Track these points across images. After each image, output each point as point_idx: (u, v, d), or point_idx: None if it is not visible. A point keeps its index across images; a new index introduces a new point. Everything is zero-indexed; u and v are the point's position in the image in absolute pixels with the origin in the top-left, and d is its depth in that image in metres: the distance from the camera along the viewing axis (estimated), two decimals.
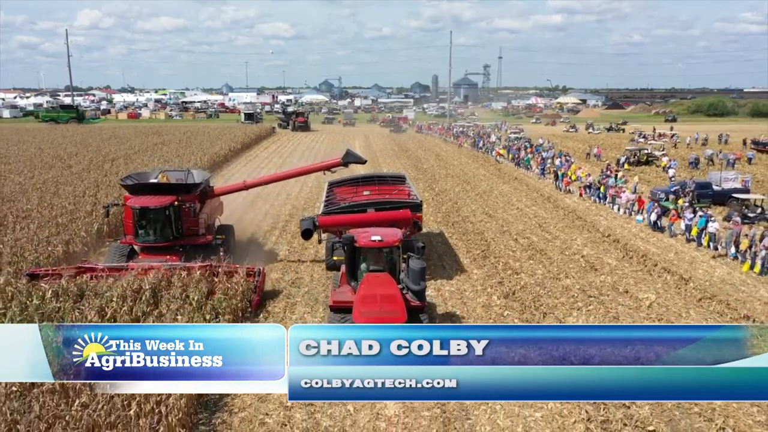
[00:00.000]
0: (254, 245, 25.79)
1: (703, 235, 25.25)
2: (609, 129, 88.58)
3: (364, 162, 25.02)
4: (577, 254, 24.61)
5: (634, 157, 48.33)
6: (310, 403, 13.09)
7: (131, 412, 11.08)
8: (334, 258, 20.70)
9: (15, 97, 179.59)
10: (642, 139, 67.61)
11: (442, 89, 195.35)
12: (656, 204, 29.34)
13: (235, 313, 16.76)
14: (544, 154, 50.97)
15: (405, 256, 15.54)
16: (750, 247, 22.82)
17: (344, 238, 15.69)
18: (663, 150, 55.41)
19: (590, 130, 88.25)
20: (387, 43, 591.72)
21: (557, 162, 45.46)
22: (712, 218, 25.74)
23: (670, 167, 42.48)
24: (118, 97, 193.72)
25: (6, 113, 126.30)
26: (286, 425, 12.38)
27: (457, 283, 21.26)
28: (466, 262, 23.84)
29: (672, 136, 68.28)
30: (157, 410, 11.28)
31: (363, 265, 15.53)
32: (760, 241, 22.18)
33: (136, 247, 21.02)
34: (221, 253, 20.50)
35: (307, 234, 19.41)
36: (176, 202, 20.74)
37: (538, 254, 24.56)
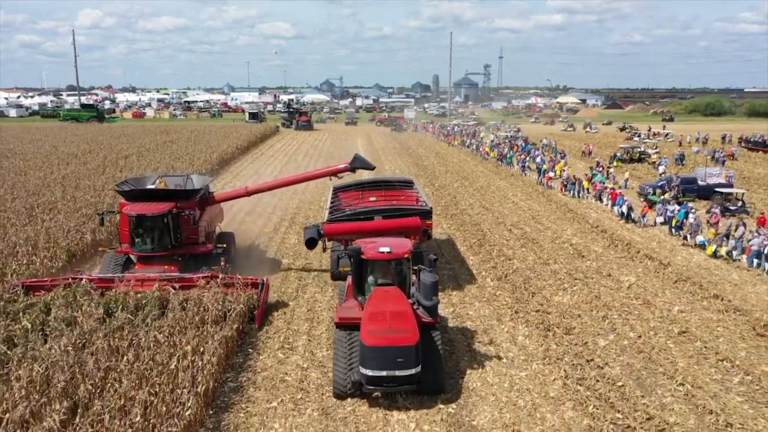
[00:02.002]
0: (265, 236, 27.65)
1: (682, 226, 27.06)
2: (622, 129, 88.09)
3: (372, 168, 23.76)
4: (566, 243, 26.45)
5: (627, 155, 50.20)
6: (323, 364, 14.98)
7: (172, 366, 12.95)
8: (340, 269, 20.01)
9: (18, 97, 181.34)
10: (637, 138, 69.43)
11: (443, 89, 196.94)
12: (625, 198, 31.19)
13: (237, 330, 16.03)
14: (536, 153, 52.80)
15: (416, 268, 14.55)
16: (727, 236, 24.60)
17: (350, 250, 14.58)
18: (656, 148, 57.29)
19: (587, 129, 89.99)
20: (388, 43, 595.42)
21: (537, 159, 47.37)
22: (692, 210, 27.54)
23: (660, 164, 44.31)
24: (121, 97, 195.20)
25: (12, 112, 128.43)
26: (303, 381, 14.23)
27: (454, 268, 23.09)
28: (462, 249, 25.68)
29: (666, 135, 70.06)
30: (194, 365, 13.13)
31: (370, 278, 14.54)
32: (735, 230, 23.99)
33: (132, 257, 20.06)
34: (222, 263, 19.70)
35: (311, 243, 18.19)
36: (175, 210, 19.68)
37: (530, 243, 26.40)
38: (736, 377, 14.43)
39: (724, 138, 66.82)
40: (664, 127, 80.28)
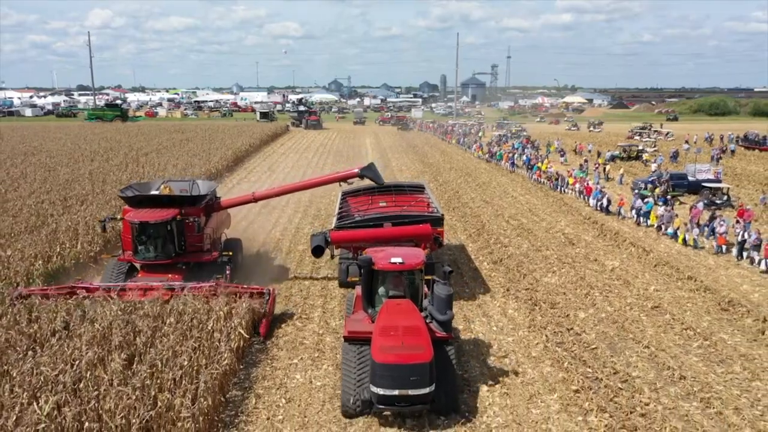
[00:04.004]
0: (281, 226, 29.96)
1: (649, 218, 29.38)
2: (642, 128, 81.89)
3: (381, 183, 22.84)
4: (559, 232, 28.60)
5: (624, 153, 52.24)
6: (336, 331, 17.21)
7: (209, 326, 15.23)
8: (349, 279, 19.65)
9: (31, 97, 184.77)
10: (638, 137, 71.36)
11: (450, 88, 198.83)
12: (602, 191, 33.36)
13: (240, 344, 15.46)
14: (525, 150, 54.92)
15: (430, 278, 14.13)
16: (708, 224, 26.62)
17: (360, 260, 13.97)
18: (655, 147, 59.37)
19: (591, 129, 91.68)
20: (396, 43, 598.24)
21: (524, 157, 49.55)
22: (660, 203, 29.76)
23: (654, 162, 46.37)
24: (131, 97, 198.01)
25: (28, 112, 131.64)
26: (319, 344, 16.49)
27: (454, 254, 25.26)
28: (463, 237, 27.85)
29: (666, 134, 71.94)
30: (227, 326, 15.42)
31: (381, 290, 13.95)
32: (710, 222, 26.07)
33: (136, 265, 19.53)
34: (227, 272, 19.31)
35: (318, 251, 17.46)
36: (179, 216, 19.21)
37: (525, 232, 28.55)
38: (696, 342, 16.57)
39: (721, 138, 68.60)
40: (661, 126, 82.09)
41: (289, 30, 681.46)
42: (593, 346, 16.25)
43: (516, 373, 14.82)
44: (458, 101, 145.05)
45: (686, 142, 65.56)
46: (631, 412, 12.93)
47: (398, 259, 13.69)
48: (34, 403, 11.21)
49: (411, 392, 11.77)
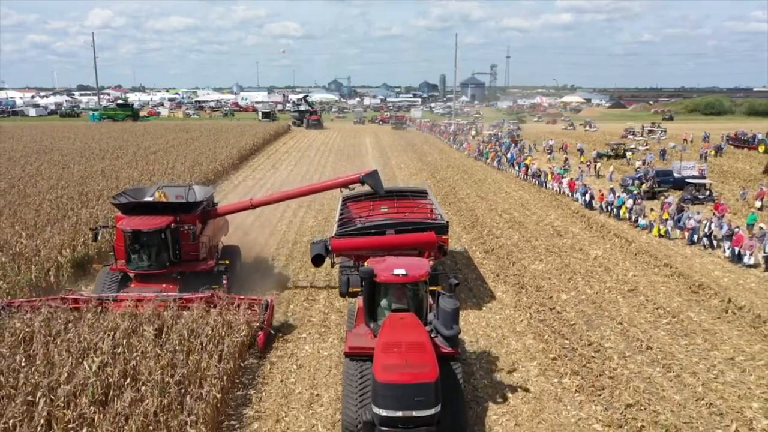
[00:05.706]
0: (286, 220, 31.74)
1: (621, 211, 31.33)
2: (650, 130, 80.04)
3: (381, 193, 21.89)
4: (548, 225, 30.41)
5: (612, 151, 54.18)
6: (340, 311, 19.02)
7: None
8: (350, 290, 17.41)
9: (33, 97, 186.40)
10: (631, 136, 73.31)
11: (449, 88, 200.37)
12: (587, 188, 35.21)
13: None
14: (512, 149, 56.73)
15: (436, 288, 13.68)
16: (678, 217, 28.42)
17: (362, 272, 13.37)
18: (647, 145, 61.24)
19: (587, 128, 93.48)
20: (396, 43, 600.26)
21: (508, 155, 51.40)
22: (629, 197, 31.68)
23: (645, 160, 48.28)
24: (132, 97, 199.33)
25: (32, 112, 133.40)
26: (325, 321, 18.32)
27: (449, 245, 27.03)
28: (457, 230, 29.63)
29: (660, 133, 73.88)
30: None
31: (384, 302, 13.36)
32: (679, 214, 27.96)
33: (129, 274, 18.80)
34: (224, 282, 18.85)
35: (318, 260, 16.88)
36: (173, 224, 18.58)
37: (516, 225, 30.37)
38: (665, 319, 18.38)
39: (707, 137, 70.48)
40: (652, 123, 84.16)
41: (289, 30, 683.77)
42: (572, 322, 18.06)
43: (502, 346, 16.63)
44: (457, 101, 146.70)
45: (684, 140, 67.51)
46: (600, 375, 14.75)
47: (401, 271, 12.91)
48: (84, 362, 13.02)
49: (415, 413, 10.95)
